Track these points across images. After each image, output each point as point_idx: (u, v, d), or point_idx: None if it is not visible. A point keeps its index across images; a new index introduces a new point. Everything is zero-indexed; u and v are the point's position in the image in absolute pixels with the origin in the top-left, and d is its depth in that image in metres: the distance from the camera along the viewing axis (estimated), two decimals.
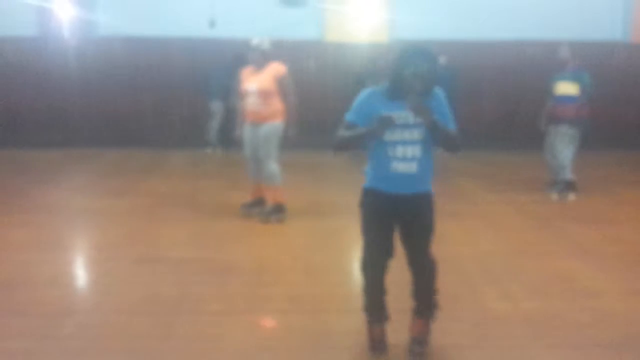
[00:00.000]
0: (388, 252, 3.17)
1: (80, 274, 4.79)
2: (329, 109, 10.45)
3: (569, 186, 7.00)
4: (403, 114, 2.94)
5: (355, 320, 3.69)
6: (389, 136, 2.96)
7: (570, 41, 10.08)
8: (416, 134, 2.99)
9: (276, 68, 5.74)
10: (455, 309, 3.85)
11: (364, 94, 3.07)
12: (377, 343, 3.26)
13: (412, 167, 3.01)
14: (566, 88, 6.81)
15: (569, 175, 6.96)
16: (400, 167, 3.01)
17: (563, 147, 6.89)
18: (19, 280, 4.32)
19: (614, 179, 8.45)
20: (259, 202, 6.12)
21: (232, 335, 3.50)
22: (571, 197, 6.96)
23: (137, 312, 3.81)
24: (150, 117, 10.61)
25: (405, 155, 2.99)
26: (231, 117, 7.99)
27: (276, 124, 5.83)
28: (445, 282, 4.16)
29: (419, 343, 3.28)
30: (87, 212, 6.39)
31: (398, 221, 3.15)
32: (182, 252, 5.03)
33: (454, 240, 5.31)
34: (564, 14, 10.69)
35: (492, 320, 3.74)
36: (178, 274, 4.51)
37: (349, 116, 3.07)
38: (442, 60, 8.85)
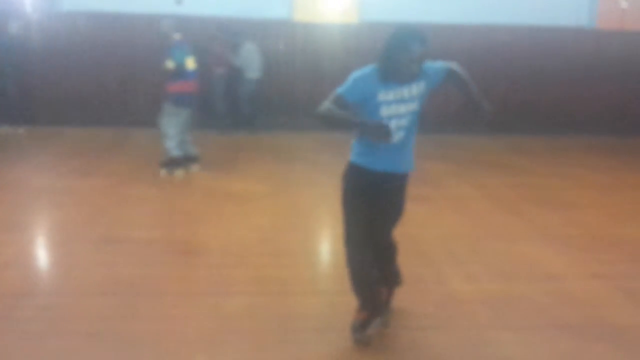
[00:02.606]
0: (369, 232, 3.20)
1: (41, 254, 4.69)
2: (298, 90, 10.39)
3: (175, 162, 6.89)
4: (399, 91, 2.99)
5: (321, 303, 3.72)
6: (385, 112, 2.99)
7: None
8: (410, 107, 3.04)
9: None
10: (418, 291, 3.90)
11: (356, 74, 3.03)
12: (358, 327, 3.25)
13: (400, 136, 3.07)
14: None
15: (174, 151, 6.82)
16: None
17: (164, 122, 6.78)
18: None
19: (580, 164, 8.60)
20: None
21: (196, 317, 3.49)
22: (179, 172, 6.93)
23: (99, 294, 3.76)
24: (114, 95, 10.38)
25: (397, 126, 3.03)
26: None
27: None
28: (409, 264, 4.22)
29: (382, 321, 3.39)
30: (49, 192, 6.25)
31: (374, 199, 3.18)
32: (146, 232, 4.98)
33: (419, 223, 5.35)
34: (531, 0, 10.79)
35: (455, 302, 3.79)
36: (141, 254, 4.47)
37: (341, 90, 3.00)
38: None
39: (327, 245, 5.11)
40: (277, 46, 10.39)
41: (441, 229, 5.31)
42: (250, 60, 9.68)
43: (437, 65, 3.15)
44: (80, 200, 5.90)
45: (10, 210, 5.52)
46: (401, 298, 3.72)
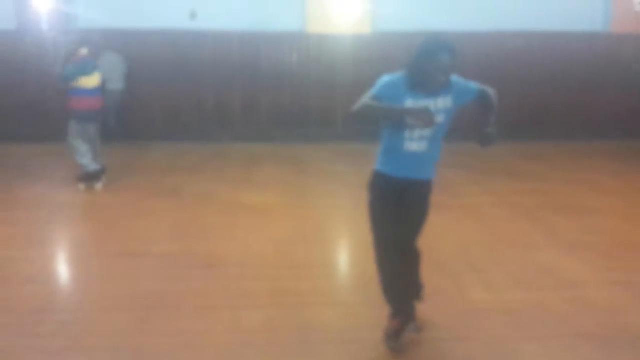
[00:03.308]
0: (397, 237, 3.23)
1: (61, 270, 4.74)
2: (312, 101, 10.41)
3: (93, 175, 6.90)
4: (426, 102, 3.02)
5: (340, 314, 3.70)
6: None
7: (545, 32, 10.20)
8: (436, 119, 3.03)
9: None
10: (439, 302, 3.87)
11: (386, 78, 3.07)
12: (392, 335, 3.25)
13: (423, 147, 3.12)
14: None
15: (90, 167, 6.84)
16: (413, 146, 3.11)
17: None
18: None
19: (596, 169, 8.51)
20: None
21: (214, 331, 3.49)
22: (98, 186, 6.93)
23: (118, 309, 3.77)
24: (132, 110, 10.48)
25: (421, 136, 3.09)
26: None
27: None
28: (429, 275, 4.18)
29: (416, 326, 3.41)
30: (68, 207, 6.31)
31: (399, 205, 3.22)
32: (163, 247, 4.99)
33: (437, 233, 5.30)
34: (544, 5, 10.73)
35: (476, 313, 3.76)
36: (159, 268, 4.48)
37: (375, 91, 3.04)
38: None
39: (344, 256, 5.09)
40: (291, 58, 10.43)
41: (460, 238, 5.27)
42: (112, 72, 9.48)
43: (470, 84, 3.19)
44: (98, 216, 5.95)
45: (31, 227, 5.57)
46: (422, 309, 3.70)
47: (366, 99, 3.01)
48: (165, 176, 7.68)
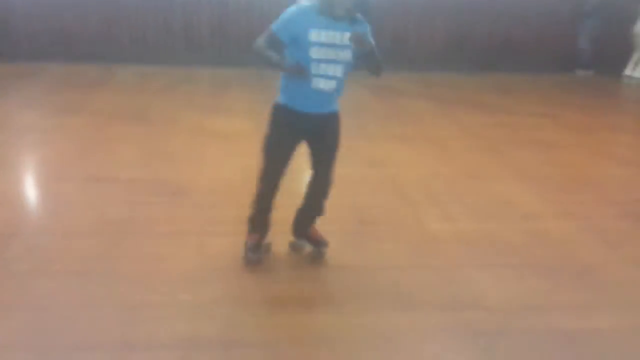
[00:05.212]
0: (285, 172, 3.39)
1: (28, 193, 4.75)
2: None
3: None
4: (331, 34, 3.03)
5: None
6: (315, 54, 3.03)
7: None
8: (341, 55, 3.07)
9: None
10: (396, 231, 4.02)
11: (294, 10, 3.08)
12: (253, 249, 3.50)
13: (331, 85, 3.13)
14: None
15: None
16: (321, 83, 3.10)
17: None
18: None
19: (563, 103, 8.66)
20: None
21: (181, 256, 3.58)
22: None
23: (86, 234, 3.83)
24: (97, 30, 10.20)
25: (327, 73, 3.09)
26: None
27: None
28: (390, 204, 4.33)
29: (324, 244, 3.61)
30: (33, 130, 6.24)
31: (306, 140, 3.32)
32: (132, 172, 5.01)
33: (399, 163, 5.44)
34: None
35: (433, 241, 3.91)
36: (127, 194, 4.52)
37: (275, 27, 3.08)
38: None
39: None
40: None
41: (421, 169, 5.39)
42: None
43: (370, 35, 3.12)
44: (65, 139, 5.91)
45: None
46: (381, 238, 3.86)
47: (263, 39, 3.07)
48: (132, 99, 7.59)
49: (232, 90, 8.50)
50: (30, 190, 4.84)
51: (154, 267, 3.44)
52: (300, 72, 3.01)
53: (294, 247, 3.72)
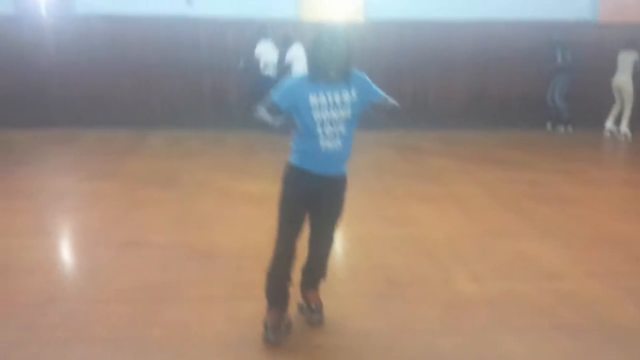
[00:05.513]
0: (300, 233, 3.40)
1: (63, 260, 4.87)
2: None
3: None
4: (329, 95, 3.15)
5: (341, 305, 3.82)
6: (318, 116, 3.15)
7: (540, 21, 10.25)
8: (343, 113, 3.18)
9: None
10: (426, 292, 4.02)
11: (290, 80, 3.30)
12: (273, 329, 3.39)
13: (338, 143, 3.22)
14: None
15: None
16: (328, 144, 3.20)
17: None
18: (0, 268, 4.39)
19: (584, 159, 8.66)
20: None
21: (214, 322, 3.61)
22: None
23: (120, 300, 3.90)
24: (130, 97, 10.58)
25: (332, 133, 3.20)
26: None
27: None
28: (416, 265, 4.34)
29: (320, 311, 3.61)
30: (69, 196, 6.44)
31: (315, 201, 3.35)
32: (164, 237, 5.11)
33: (425, 223, 5.48)
34: None
35: (461, 304, 3.90)
36: (160, 259, 4.59)
37: (275, 95, 3.24)
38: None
39: (342, 246, 5.24)
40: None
41: (446, 228, 5.43)
42: None
43: (373, 86, 3.27)
44: (100, 204, 6.09)
45: (32, 216, 5.71)
46: (410, 300, 3.86)
47: (264, 106, 3.24)
48: (164, 163, 7.80)
49: (260, 153, 8.68)
50: (65, 256, 4.96)
51: (187, 333, 3.48)
52: (294, 126, 3.19)
53: (302, 310, 3.69)
